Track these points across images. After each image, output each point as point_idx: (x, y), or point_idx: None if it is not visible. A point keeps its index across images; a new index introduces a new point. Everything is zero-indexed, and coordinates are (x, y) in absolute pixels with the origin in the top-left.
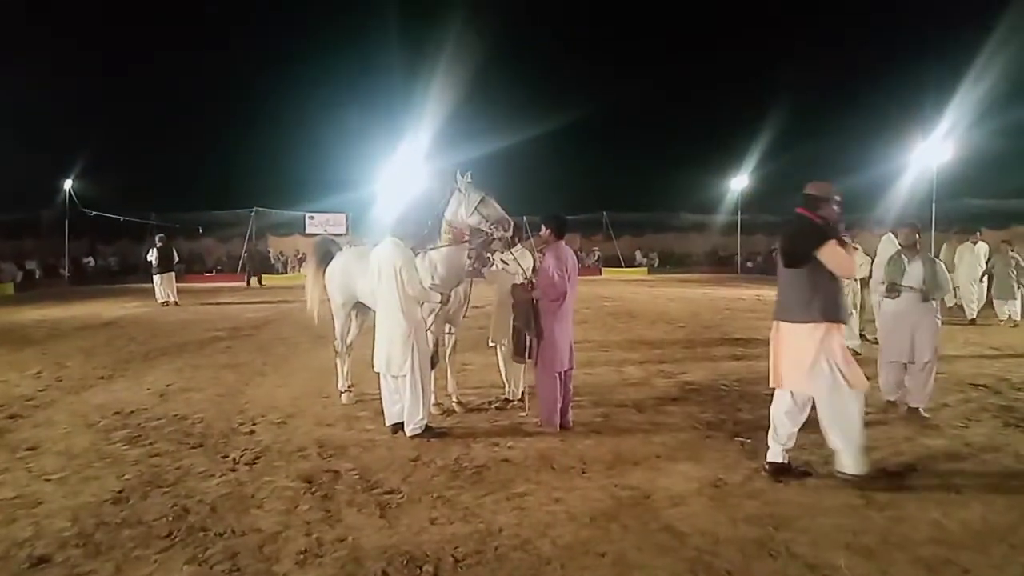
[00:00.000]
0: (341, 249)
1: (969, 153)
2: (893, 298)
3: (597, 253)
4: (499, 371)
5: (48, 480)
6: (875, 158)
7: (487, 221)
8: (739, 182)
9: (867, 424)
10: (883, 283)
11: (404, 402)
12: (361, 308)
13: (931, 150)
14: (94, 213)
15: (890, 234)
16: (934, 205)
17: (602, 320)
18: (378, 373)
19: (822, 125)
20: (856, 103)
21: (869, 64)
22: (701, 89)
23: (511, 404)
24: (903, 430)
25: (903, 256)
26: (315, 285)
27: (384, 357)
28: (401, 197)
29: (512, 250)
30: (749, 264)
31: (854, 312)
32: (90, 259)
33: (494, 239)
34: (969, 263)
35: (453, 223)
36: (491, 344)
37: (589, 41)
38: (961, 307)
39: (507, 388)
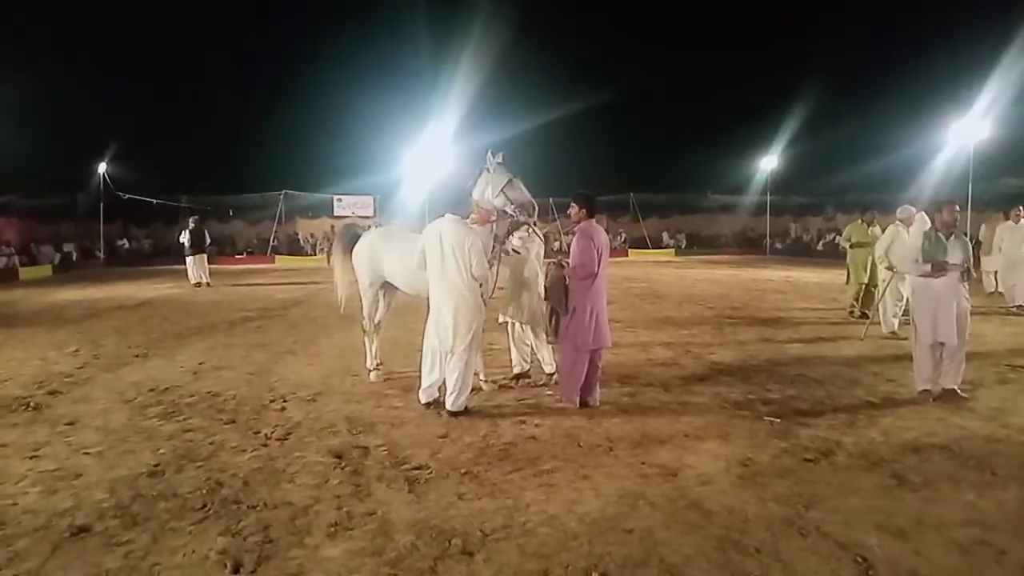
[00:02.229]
0: (367, 229)
1: (1008, 131)
2: (937, 277)
3: (624, 235)
4: (510, 347)
5: (87, 454)
6: (909, 138)
7: (512, 204)
8: (768, 162)
9: (901, 405)
10: (919, 262)
11: (451, 379)
12: (389, 288)
13: (968, 129)
14: (127, 196)
15: (923, 214)
16: (971, 185)
17: (629, 301)
18: (420, 352)
19: (854, 104)
20: (889, 82)
21: (902, 41)
22: (730, 69)
23: (548, 382)
24: (937, 411)
25: (940, 235)
26: (343, 271)
27: (448, 335)
28: (436, 177)
29: (524, 229)
30: (778, 245)
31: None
32: (124, 241)
33: (521, 223)
34: (1013, 244)
35: (480, 203)
36: (500, 321)
37: (616, 20)
38: (1001, 293)
39: (516, 363)
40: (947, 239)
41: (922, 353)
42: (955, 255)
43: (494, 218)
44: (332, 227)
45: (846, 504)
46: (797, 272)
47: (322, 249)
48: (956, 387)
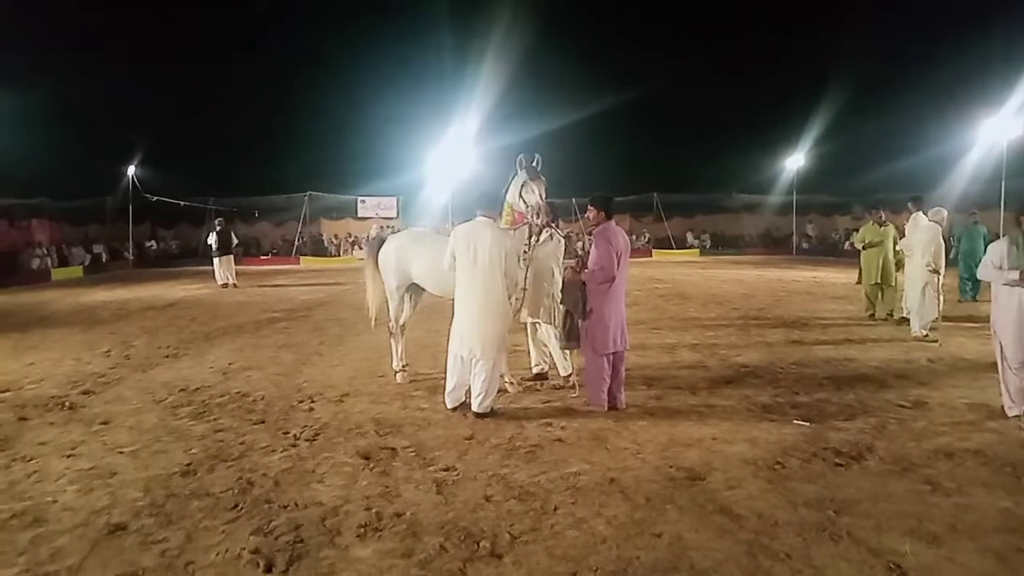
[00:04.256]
0: (393, 231)
1: None
2: None
3: (647, 235)
4: (530, 347)
5: (121, 453)
6: (938, 135)
7: (528, 206)
8: (795, 161)
9: (932, 409)
10: (1004, 269)
11: (477, 382)
12: (415, 289)
13: (1000, 126)
14: (156, 198)
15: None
16: (1004, 184)
17: (653, 302)
18: (445, 354)
19: (883, 102)
20: (917, 77)
21: (931, 35)
22: (755, 67)
23: (565, 385)
24: (970, 415)
25: None
26: (374, 282)
27: (478, 342)
28: (460, 178)
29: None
30: (804, 245)
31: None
32: (152, 243)
33: (541, 225)
34: None
35: (514, 206)
36: (521, 321)
37: (639, 19)
38: None
39: (536, 362)
40: None
41: (1008, 373)
42: None
43: (526, 221)
44: (383, 230)
45: (878, 509)
46: (824, 272)
47: (346, 250)
48: None
